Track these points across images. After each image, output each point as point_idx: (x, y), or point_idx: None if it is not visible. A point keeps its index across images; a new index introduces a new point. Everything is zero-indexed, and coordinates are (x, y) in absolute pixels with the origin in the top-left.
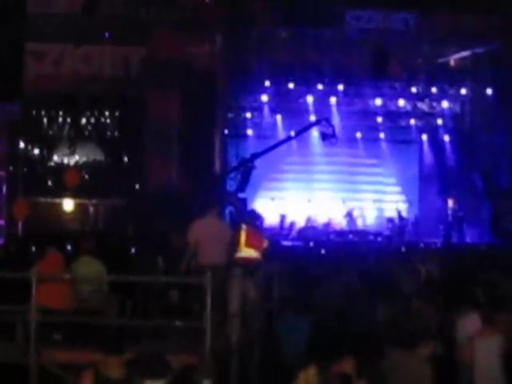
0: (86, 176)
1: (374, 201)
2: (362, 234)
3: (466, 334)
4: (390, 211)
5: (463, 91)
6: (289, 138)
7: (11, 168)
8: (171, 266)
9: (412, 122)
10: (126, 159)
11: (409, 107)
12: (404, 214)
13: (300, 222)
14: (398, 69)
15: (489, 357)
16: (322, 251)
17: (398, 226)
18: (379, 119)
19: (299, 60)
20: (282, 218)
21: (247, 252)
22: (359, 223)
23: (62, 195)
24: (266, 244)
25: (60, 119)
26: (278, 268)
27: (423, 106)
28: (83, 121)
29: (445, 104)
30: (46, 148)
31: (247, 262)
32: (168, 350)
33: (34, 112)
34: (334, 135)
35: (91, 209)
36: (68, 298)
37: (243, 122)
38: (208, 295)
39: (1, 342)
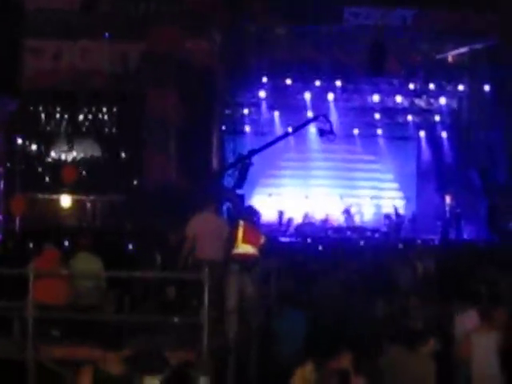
0: (84, 172)
1: (372, 197)
2: (360, 230)
3: (463, 330)
4: (388, 208)
5: (461, 88)
6: (286, 135)
7: (9, 164)
8: (169, 262)
9: (410, 118)
10: (123, 155)
11: (406, 103)
12: (401, 211)
13: (298, 219)
14: (396, 65)
15: (486, 353)
16: (320, 247)
17: (395, 222)
18: (377, 115)
19: (297, 56)
20: (280, 214)
21: (244, 248)
22: (357, 219)
23: (60, 191)
24: (263, 240)
25: (58, 115)
26: (275, 264)
27: (421, 102)
28: (81, 117)
29: (442, 100)
30: (43, 144)
31: (244, 258)
32: (165, 346)
33: (31, 108)
34: (331, 131)
35: (89, 205)
36: (65, 294)
37: (241, 119)
38: (205, 291)
39: None
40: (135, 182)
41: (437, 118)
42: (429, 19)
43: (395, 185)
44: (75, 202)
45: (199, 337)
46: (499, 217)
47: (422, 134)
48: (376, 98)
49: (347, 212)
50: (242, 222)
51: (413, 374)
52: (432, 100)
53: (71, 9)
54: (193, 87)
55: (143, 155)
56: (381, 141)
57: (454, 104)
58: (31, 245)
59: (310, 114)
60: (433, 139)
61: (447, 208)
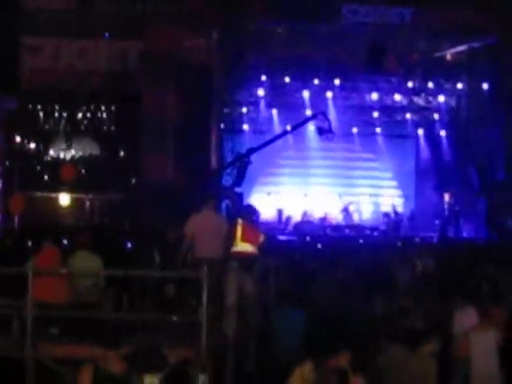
0: (83, 171)
1: (370, 195)
2: (358, 228)
3: (462, 328)
4: (386, 206)
5: (459, 86)
6: (285, 133)
7: (7, 162)
8: (167, 260)
9: (408, 116)
10: (122, 154)
11: (405, 102)
12: (399, 210)
13: (296, 217)
14: (395, 63)
15: (485, 351)
16: (319, 246)
17: (394, 220)
18: (375, 114)
19: (295, 54)
20: (279, 212)
21: (243, 246)
22: (355, 218)
23: (59, 190)
24: (262, 238)
25: (56, 114)
26: (274, 262)
27: (419, 100)
28: (79, 115)
29: (441, 98)
30: (42, 142)
31: (243, 256)
32: (164, 344)
33: (30, 106)
34: (330, 130)
35: (87, 203)
36: (64, 292)
37: (239, 117)
38: (204, 289)
39: None
40: (134, 181)
41: (435, 116)
42: (427, 17)
43: (394, 183)
44: (74, 201)
45: (198, 335)
46: (497, 214)
47: (421, 132)
48: (374, 96)
49: (346, 210)
50: (240, 221)
51: (414, 373)
52: (431, 98)
53: (69, 8)
54: (191, 86)
55: (141, 154)
56: (379, 139)
57: (453, 102)
58: (30, 243)
59: (308, 113)
60: (431, 137)
61: (446, 206)
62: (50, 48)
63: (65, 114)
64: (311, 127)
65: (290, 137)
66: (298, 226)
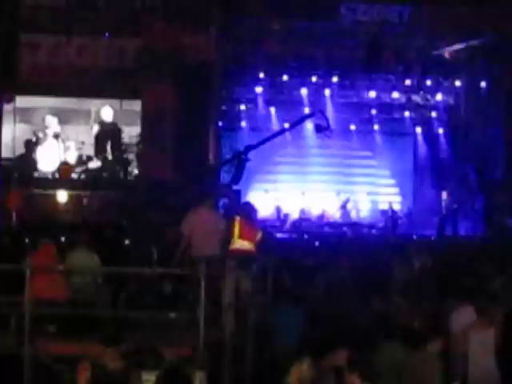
0: (81, 168)
1: (368, 193)
2: (356, 226)
3: (460, 327)
4: (384, 204)
5: (458, 83)
6: (283, 131)
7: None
8: (165, 257)
9: (406, 114)
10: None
11: (403, 99)
12: (397, 207)
13: (294, 214)
14: (393, 61)
15: (483, 349)
16: (316, 243)
17: (392, 218)
18: (373, 111)
19: (294, 52)
20: (277, 210)
21: (241, 244)
22: (353, 215)
23: (57, 187)
24: (259, 236)
25: None
26: (272, 260)
27: (417, 98)
28: None
29: (439, 96)
30: None
31: (241, 253)
32: (162, 342)
33: None
34: (328, 127)
35: (85, 200)
36: (62, 289)
37: (237, 114)
38: (202, 287)
39: None
40: (132, 178)
41: (433, 113)
42: (426, 15)
43: (392, 181)
44: (72, 198)
45: (195, 332)
46: (495, 213)
47: (419, 129)
48: (372, 93)
49: (344, 207)
50: (238, 218)
51: (418, 373)
52: (429, 96)
53: (68, 5)
54: (189, 83)
55: (139, 151)
56: (377, 137)
57: (451, 100)
58: (28, 240)
59: (306, 110)
60: (429, 135)
61: (444, 204)
62: (49, 45)
63: None
64: (309, 125)
65: (287, 134)
66: (295, 223)
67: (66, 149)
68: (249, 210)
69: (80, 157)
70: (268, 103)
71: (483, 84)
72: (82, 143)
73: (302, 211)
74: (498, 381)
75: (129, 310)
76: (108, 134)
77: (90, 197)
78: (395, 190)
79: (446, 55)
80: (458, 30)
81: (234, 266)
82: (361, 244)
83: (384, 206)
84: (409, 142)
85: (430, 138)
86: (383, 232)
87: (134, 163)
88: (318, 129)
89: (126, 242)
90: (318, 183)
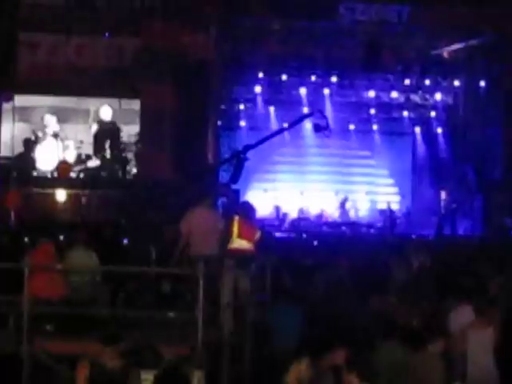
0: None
1: (367, 193)
2: (355, 225)
3: (458, 326)
4: (383, 203)
5: (456, 83)
6: (282, 130)
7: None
8: (164, 256)
9: (405, 113)
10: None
11: (402, 99)
12: (395, 207)
13: (293, 214)
14: (392, 61)
15: (482, 349)
16: (315, 243)
17: (390, 218)
18: (372, 111)
19: (293, 51)
20: (276, 209)
21: (239, 243)
22: (352, 215)
23: (55, 186)
24: (258, 235)
25: None
26: (270, 259)
27: (416, 97)
28: None
29: (438, 96)
30: None
31: (240, 252)
32: (160, 341)
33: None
34: (327, 127)
35: (84, 199)
36: (61, 288)
37: (236, 114)
38: (200, 286)
39: None
40: (130, 177)
41: (432, 113)
42: (425, 15)
43: (390, 180)
44: (70, 197)
45: (194, 331)
46: (494, 213)
47: (418, 129)
48: (371, 93)
49: (343, 205)
50: (236, 217)
51: (420, 373)
52: (427, 95)
53: (67, 4)
54: (188, 82)
55: (138, 150)
56: (376, 136)
57: (450, 100)
58: (26, 239)
59: (305, 110)
60: (428, 135)
61: (442, 203)
62: (47, 44)
63: None
64: (308, 124)
65: (286, 134)
66: (294, 222)
67: (65, 148)
68: (247, 210)
69: (79, 156)
70: (267, 103)
71: (482, 84)
72: (81, 142)
73: (301, 210)
74: (497, 380)
75: (127, 309)
76: (107, 133)
77: (89, 196)
78: (394, 189)
79: (445, 55)
80: (457, 29)
81: (232, 265)
82: (359, 243)
83: (383, 206)
84: (408, 142)
85: (429, 137)
86: (382, 231)
87: (133, 162)
88: (317, 128)
89: (125, 241)
90: (316, 183)
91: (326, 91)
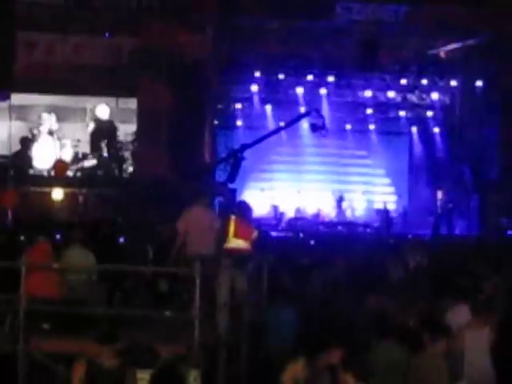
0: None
1: (364, 192)
2: (352, 225)
3: (455, 326)
4: (380, 203)
5: (453, 83)
6: (279, 129)
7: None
8: (161, 256)
9: (402, 113)
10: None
11: (399, 99)
12: (391, 207)
13: (289, 213)
14: (388, 60)
15: (479, 348)
16: (312, 242)
17: (387, 217)
18: (369, 111)
19: (289, 51)
20: (273, 208)
21: (236, 242)
22: (348, 214)
23: (52, 184)
24: (255, 234)
25: None
26: (267, 259)
27: (413, 97)
28: None
29: (435, 96)
30: None
31: (236, 252)
32: (157, 340)
33: None
34: (323, 126)
35: (81, 198)
36: (57, 287)
37: (233, 113)
38: (197, 286)
39: None
40: (127, 176)
41: (429, 113)
42: (421, 15)
43: (387, 180)
44: (67, 195)
45: (190, 331)
46: (490, 212)
47: (415, 129)
48: (368, 93)
49: (339, 203)
50: (233, 217)
51: (421, 374)
52: (424, 95)
53: (65, 3)
54: (185, 81)
55: (135, 149)
56: (373, 136)
57: (447, 99)
58: (23, 238)
59: (302, 109)
60: (425, 134)
61: (439, 203)
62: (45, 43)
63: None
64: (305, 124)
65: (283, 133)
66: (291, 222)
67: (62, 146)
68: (244, 209)
69: (76, 154)
70: (264, 102)
71: (479, 84)
72: (78, 141)
73: (298, 210)
74: (494, 380)
75: (124, 308)
76: (104, 131)
77: (86, 194)
78: (390, 189)
79: (442, 55)
80: (454, 29)
81: (229, 264)
82: (356, 243)
83: (379, 206)
84: (404, 142)
85: (426, 137)
86: (378, 231)
87: (130, 161)
88: (314, 128)
89: (122, 240)
90: (313, 182)
91: (323, 91)
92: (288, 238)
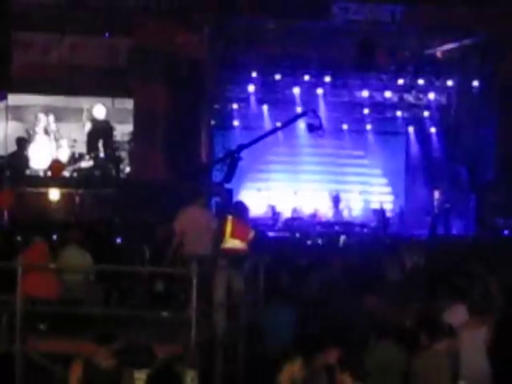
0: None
1: (361, 192)
2: (348, 225)
3: (452, 325)
4: (376, 203)
5: (450, 83)
6: (275, 130)
7: None
8: (157, 256)
9: (398, 113)
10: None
11: (395, 99)
12: (387, 207)
13: (286, 213)
14: (385, 60)
15: (476, 348)
16: (308, 242)
17: (384, 217)
18: (366, 111)
19: (286, 51)
20: (270, 208)
21: (233, 243)
22: (345, 214)
23: (49, 185)
24: (251, 235)
25: None
26: (263, 259)
27: (410, 97)
28: None
29: (431, 96)
30: None
31: (233, 252)
32: (153, 340)
33: None
34: (320, 127)
35: (77, 198)
36: (54, 287)
37: (230, 113)
38: (194, 286)
39: None
40: (124, 176)
41: (426, 113)
42: (418, 15)
43: (384, 180)
44: (64, 196)
45: (187, 331)
46: (487, 212)
47: (411, 129)
48: (365, 93)
49: (336, 202)
50: (230, 217)
51: (423, 374)
52: (421, 95)
53: (60, 3)
54: (181, 82)
55: (131, 149)
56: (370, 136)
57: (443, 99)
58: (20, 238)
59: (299, 109)
60: (422, 134)
61: (436, 203)
62: (41, 43)
63: None
64: (301, 124)
65: (280, 133)
66: (287, 222)
67: (58, 147)
68: (241, 209)
69: (72, 155)
70: (260, 102)
71: (476, 84)
72: (75, 141)
73: (295, 210)
74: (491, 380)
75: (121, 308)
76: (100, 132)
77: (82, 195)
78: (387, 189)
79: (439, 54)
80: (451, 29)
81: (225, 264)
82: (353, 243)
83: (376, 206)
84: (401, 142)
85: (423, 137)
86: (375, 231)
87: (126, 161)
88: (311, 128)
89: (118, 240)
90: (310, 182)
91: (320, 91)
92: (285, 238)
